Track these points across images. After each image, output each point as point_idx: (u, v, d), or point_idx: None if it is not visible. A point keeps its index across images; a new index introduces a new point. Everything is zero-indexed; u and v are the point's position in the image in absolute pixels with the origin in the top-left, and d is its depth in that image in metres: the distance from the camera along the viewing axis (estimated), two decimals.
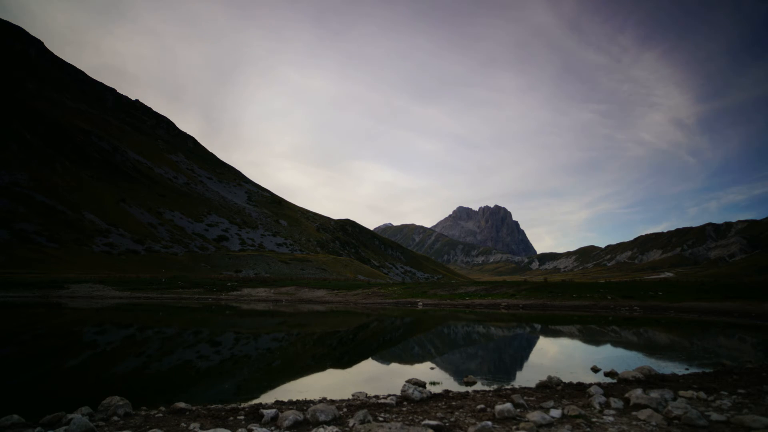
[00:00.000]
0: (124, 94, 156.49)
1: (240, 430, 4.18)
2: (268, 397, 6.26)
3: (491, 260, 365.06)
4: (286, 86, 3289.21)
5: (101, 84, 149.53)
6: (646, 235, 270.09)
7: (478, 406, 5.05)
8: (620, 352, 11.55)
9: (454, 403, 5.36)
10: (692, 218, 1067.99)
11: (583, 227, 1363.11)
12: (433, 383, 7.15)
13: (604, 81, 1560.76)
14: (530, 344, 13.55)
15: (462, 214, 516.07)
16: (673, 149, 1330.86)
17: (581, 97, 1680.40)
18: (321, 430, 4.12)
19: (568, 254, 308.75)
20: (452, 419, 4.61)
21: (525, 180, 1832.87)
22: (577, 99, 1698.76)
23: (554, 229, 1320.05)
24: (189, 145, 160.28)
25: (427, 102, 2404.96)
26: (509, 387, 6.86)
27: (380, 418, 4.64)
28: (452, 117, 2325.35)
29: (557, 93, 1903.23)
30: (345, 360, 10.79)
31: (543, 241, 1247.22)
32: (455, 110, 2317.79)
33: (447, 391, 6.20)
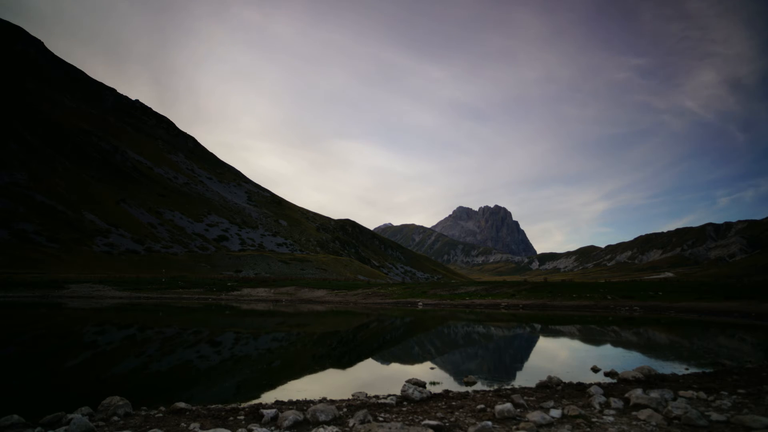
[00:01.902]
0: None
1: (240, 430, 4.18)
2: (268, 397, 6.26)
3: (491, 260, 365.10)
4: (246, 31, 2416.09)
5: (101, 84, 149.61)
6: (646, 235, 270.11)
7: (478, 406, 5.05)
8: (620, 352, 11.55)
9: (454, 403, 5.36)
10: (721, 210, 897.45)
11: (598, 222, 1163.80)
12: (433, 383, 7.14)
13: (650, 19, 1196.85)
14: (530, 344, 13.55)
15: (462, 214, 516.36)
16: (720, 122, 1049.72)
17: (618, 45, 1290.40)
18: (321, 430, 4.12)
19: (568, 254, 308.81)
20: (452, 419, 4.61)
21: (538, 163, 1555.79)
22: (614, 48, 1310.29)
23: (565, 224, 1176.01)
24: (189, 145, 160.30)
25: (425, 57, 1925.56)
26: (509, 387, 6.86)
27: (380, 418, 4.64)
28: (457, 79, 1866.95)
29: (590, 40, 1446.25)
30: (345, 360, 10.79)
31: (553, 237, 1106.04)
32: (460, 68, 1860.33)
33: (447, 391, 6.20)
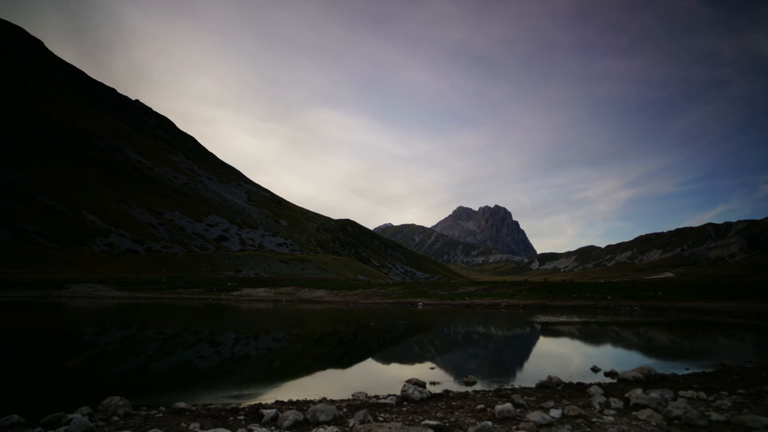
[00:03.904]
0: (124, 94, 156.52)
1: (240, 430, 4.18)
2: (268, 397, 6.26)
3: (491, 260, 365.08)
4: None
5: (101, 84, 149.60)
6: (646, 235, 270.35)
7: (478, 406, 5.05)
8: (620, 352, 11.55)
9: (454, 403, 5.36)
10: (761, 200, 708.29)
11: (616, 214, 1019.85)
12: (433, 383, 7.14)
13: None
14: (530, 344, 13.55)
15: (462, 214, 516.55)
16: None
17: None
18: (321, 430, 4.12)
19: (568, 254, 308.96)
20: (452, 419, 4.60)
21: (558, 139, 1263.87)
22: None
23: (580, 217, 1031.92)
24: (189, 145, 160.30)
25: None
26: (509, 387, 6.85)
27: (380, 418, 4.63)
28: (468, 13, 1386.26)
29: None
30: (345, 360, 10.78)
31: (564, 231, 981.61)
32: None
33: (447, 391, 6.20)
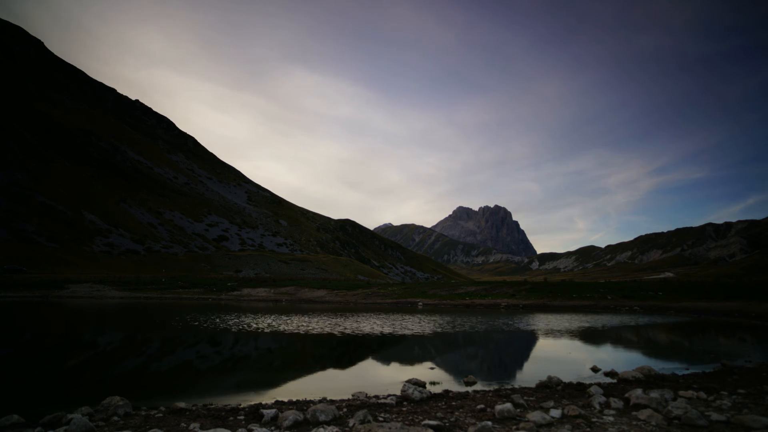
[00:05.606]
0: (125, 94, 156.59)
1: (240, 430, 4.18)
2: (268, 397, 6.26)
3: (491, 260, 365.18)
4: None
5: (101, 84, 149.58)
6: (647, 235, 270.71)
7: (478, 406, 5.05)
8: (620, 352, 11.55)
9: (454, 403, 5.36)
10: None
11: (635, 207, 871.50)
12: (433, 383, 7.14)
13: None
14: (530, 344, 13.54)
15: (462, 214, 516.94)
16: None
17: None
18: (321, 430, 4.12)
19: (568, 254, 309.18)
20: (452, 419, 4.60)
21: (579, 112, 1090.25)
22: None
23: (594, 210, 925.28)
24: (189, 145, 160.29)
25: None
26: (509, 387, 6.85)
27: (380, 418, 4.63)
28: None
29: None
30: (345, 360, 10.78)
31: (575, 226, 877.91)
32: None
33: (447, 391, 6.20)
